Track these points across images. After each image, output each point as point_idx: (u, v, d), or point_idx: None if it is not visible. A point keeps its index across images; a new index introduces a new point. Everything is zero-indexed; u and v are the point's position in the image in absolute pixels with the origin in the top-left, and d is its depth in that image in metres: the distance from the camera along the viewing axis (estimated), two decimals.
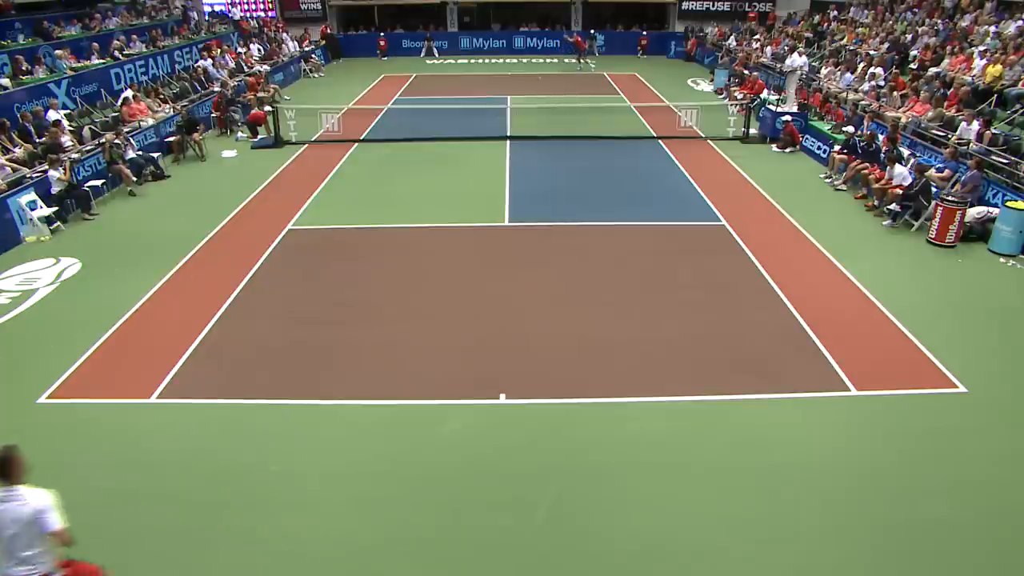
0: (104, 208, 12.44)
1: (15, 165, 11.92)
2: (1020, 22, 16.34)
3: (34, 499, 4.10)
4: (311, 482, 5.82)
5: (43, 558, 4.16)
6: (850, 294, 8.99)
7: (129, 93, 16.29)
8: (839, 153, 13.75)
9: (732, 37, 28.63)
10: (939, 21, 19.48)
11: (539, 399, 6.86)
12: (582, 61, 28.62)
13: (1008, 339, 7.95)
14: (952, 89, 14.79)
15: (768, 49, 24.53)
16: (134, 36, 21.13)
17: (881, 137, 13.36)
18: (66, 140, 13.23)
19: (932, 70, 16.42)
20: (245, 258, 10.06)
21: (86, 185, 12.35)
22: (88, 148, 13.41)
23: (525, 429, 6.46)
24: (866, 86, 17.17)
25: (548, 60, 31.05)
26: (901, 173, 11.75)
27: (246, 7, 31.74)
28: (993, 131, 12.17)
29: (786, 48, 23.19)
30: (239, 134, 17.56)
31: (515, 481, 5.82)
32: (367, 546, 5.20)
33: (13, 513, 4.03)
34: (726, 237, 10.85)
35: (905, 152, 13.02)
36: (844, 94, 17.32)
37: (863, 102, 16.13)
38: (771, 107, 17.12)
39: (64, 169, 11.74)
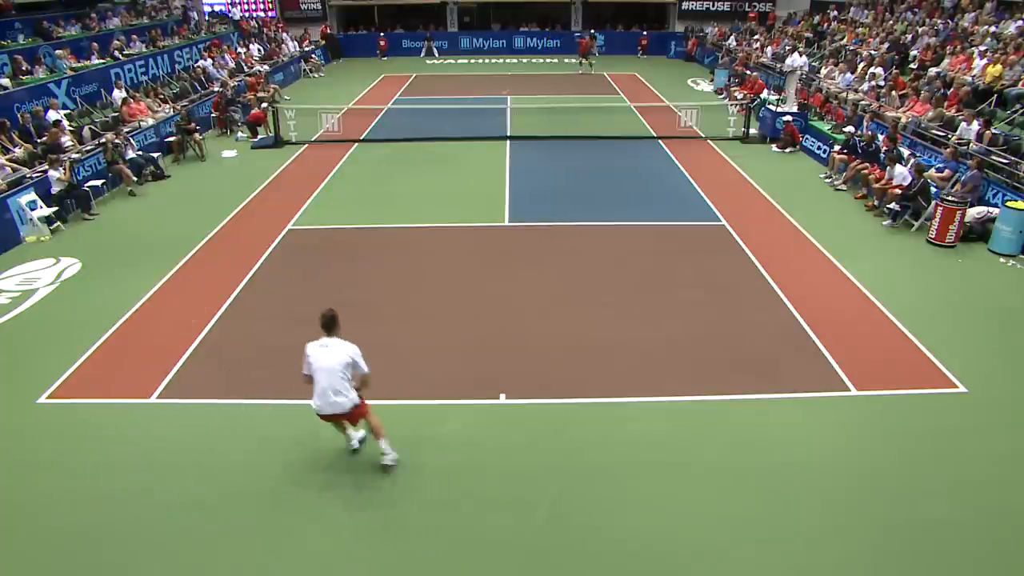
0: (104, 208, 12.44)
1: (15, 165, 11.92)
2: (1020, 22, 16.35)
3: (348, 347, 5.52)
4: (310, 482, 5.82)
5: (346, 397, 5.51)
6: (850, 294, 8.99)
7: (119, 94, 16.29)
8: (839, 153, 13.76)
9: (732, 37, 28.63)
10: (939, 21, 19.48)
11: (539, 399, 6.86)
12: (584, 62, 28.41)
13: (1008, 339, 7.95)
14: (952, 89, 14.79)
15: (768, 49, 24.54)
16: (134, 36, 21.15)
17: (881, 137, 13.37)
18: (66, 140, 13.23)
19: (932, 70, 16.42)
20: (245, 258, 10.07)
21: (86, 185, 12.35)
22: (88, 148, 13.41)
23: (525, 429, 6.46)
24: (866, 86, 17.17)
25: (548, 60, 31.06)
26: (901, 173, 11.75)
27: (246, 7, 31.75)
28: (993, 131, 12.17)
29: (786, 48, 23.19)
30: (239, 134, 17.56)
31: (515, 481, 5.82)
32: (366, 546, 5.20)
33: (336, 354, 5.44)
34: (726, 237, 10.85)
35: (905, 152, 13.02)
36: (844, 94, 17.33)
37: (863, 102, 16.13)
38: (771, 107, 17.12)
39: (64, 169, 11.74)
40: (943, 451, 6.15)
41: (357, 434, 6.12)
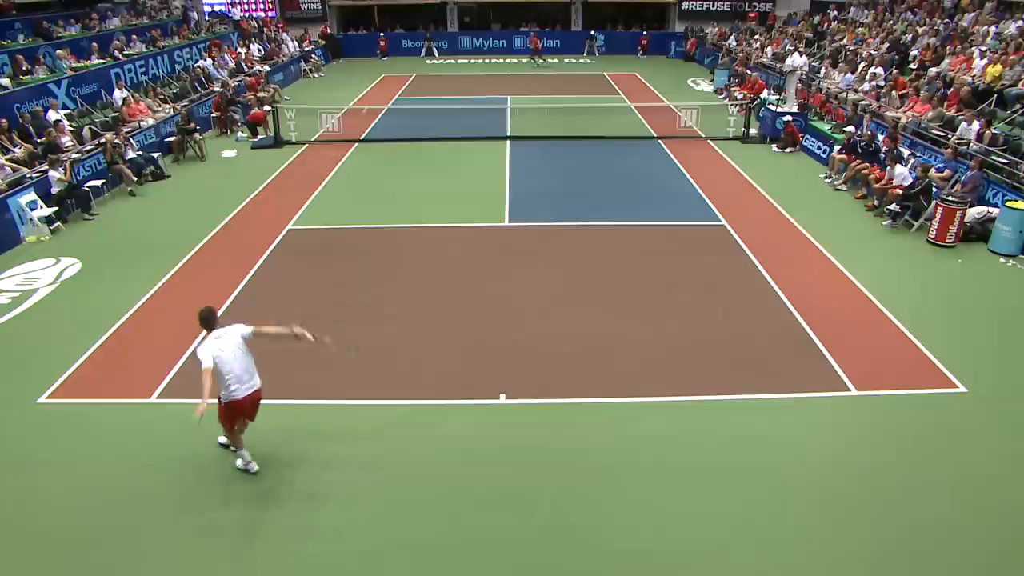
0: (104, 208, 12.44)
1: (15, 165, 11.92)
2: (1020, 22, 16.34)
3: (234, 329, 5.63)
4: (310, 482, 5.82)
5: (257, 376, 5.68)
6: (850, 294, 8.99)
7: (119, 94, 16.29)
8: (839, 153, 13.75)
9: (732, 37, 28.63)
10: (939, 21, 19.48)
11: (539, 399, 6.86)
12: (536, 60, 29.64)
13: (1008, 339, 7.95)
14: (952, 89, 14.79)
15: (768, 49, 24.54)
16: (134, 36, 21.14)
17: (881, 137, 13.36)
18: (66, 140, 13.24)
19: (932, 70, 16.41)
20: (245, 258, 10.07)
21: (86, 185, 12.37)
22: (88, 148, 13.41)
23: (525, 429, 6.46)
24: (866, 86, 17.17)
25: (548, 60, 31.04)
26: (901, 173, 11.75)
27: (246, 7, 31.75)
28: (993, 131, 12.17)
29: (786, 48, 23.19)
30: (239, 134, 17.56)
31: (515, 481, 5.82)
32: (366, 546, 5.20)
33: (231, 343, 5.53)
34: (726, 237, 10.85)
35: (905, 152, 13.02)
36: (844, 94, 17.33)
37: (863, 102, 16.12)
38: (771, 107, 17.12)
39: (64, 169, 11.74)
40: (943, 451, 6.15)
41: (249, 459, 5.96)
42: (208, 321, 5.61)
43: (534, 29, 32.09)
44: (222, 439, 6.06)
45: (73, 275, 9.74)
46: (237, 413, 5.69)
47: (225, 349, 5.50)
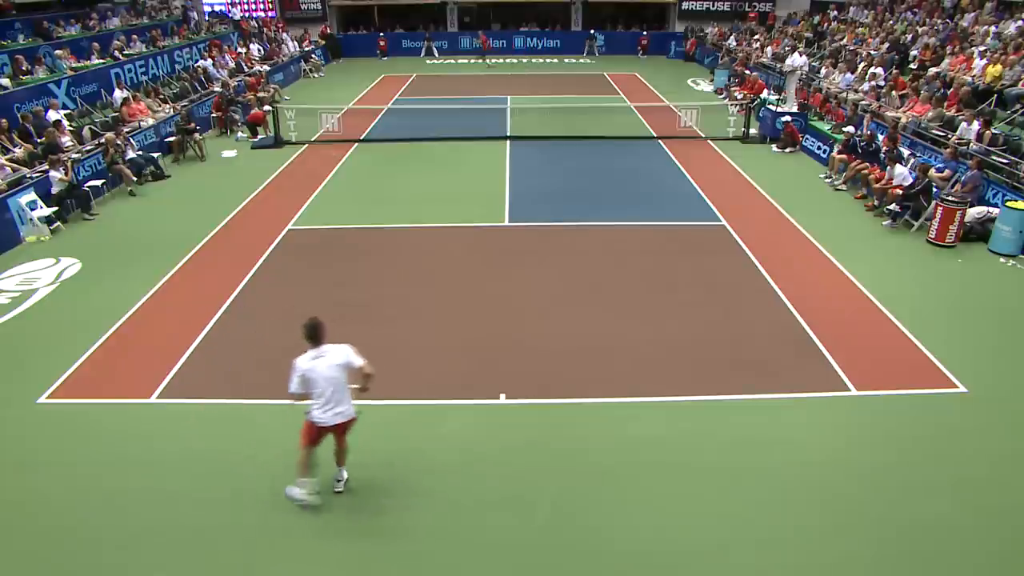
0: (104, 208, 12.44)
1: (15, 165, 11.92)
2: (1020, 22, 16.35)
3: (339, 351, 5.28)
4: (309, 483, 5.81)
5: (349, 404, 5.35)
6: (850, 294, 8.99)
7: (119, 94, 16.29)
8: (839, 153, 13.75)
9: (732, 37, 28.63)
10: (939, 21, 19.48)
11: (539, 399, 6.86)
12: (485, 60, 30.24)
13: (1008, 339, 7.95)
14: (952, 89, 14.79)
15: (768, 49, 24.54)
16: (134, 36, 21.16)
17: (881, 137, 13.36)
18: (66, 140, 13.24)
19: (932, 70, 16.41)
20: (245, 258, 10.07)
21: (86, 185, 12.37)
22: (88, 148, 13.41)
23: (525, 429, 6.46)
24: (866, 86, 17.17)
25: (548, 60, 31.07)
26: (901, 173, 11.75)
27: (246, 7, 31.75)
28: (993, 131, 12.17)
29: (786, 48, 23.19)
30: (239, 134, 17.56)
31: (515, 481, 5.82)
32: (366, 546, 5.21)
33: (328, 364, 5.20)
34: (726, 237, 10.85)
35: (905, 152, 13.02)
36: (844, 94, 17.33)
37: (863, 102, 16.13)
38: (771, 107, 17.12)
39: (65, 169, 11.74)
40: (943, 451, 6.15)
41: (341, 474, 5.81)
42: (312, 336, 5.22)
43: (485, 31, 32.13)
44: (297, 493, 5.44)
45: (73, 275, 9.74)
46: (318, 435, 5.40)
47: (318, 369, 5.17)
